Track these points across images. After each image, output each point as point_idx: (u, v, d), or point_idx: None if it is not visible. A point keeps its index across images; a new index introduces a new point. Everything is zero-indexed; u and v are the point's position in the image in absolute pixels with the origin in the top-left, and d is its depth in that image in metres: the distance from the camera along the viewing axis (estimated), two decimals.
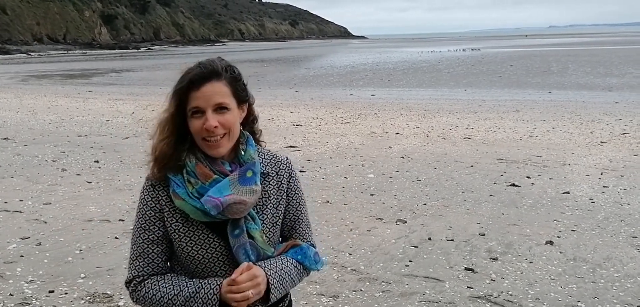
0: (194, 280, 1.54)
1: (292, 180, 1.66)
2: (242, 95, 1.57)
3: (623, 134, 10.77)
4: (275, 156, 1.67)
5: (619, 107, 15.09)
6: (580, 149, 9.34)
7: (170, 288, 1.52)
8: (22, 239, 5.10)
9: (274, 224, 1.60)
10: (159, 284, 1.53)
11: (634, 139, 10.15)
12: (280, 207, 1.62)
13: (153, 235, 1.55)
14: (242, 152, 1.57)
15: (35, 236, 5.19)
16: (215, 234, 1.53)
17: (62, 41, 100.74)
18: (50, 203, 6.30)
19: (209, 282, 1.51)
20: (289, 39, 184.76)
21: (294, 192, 1.65)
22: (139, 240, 1.56)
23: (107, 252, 4.82)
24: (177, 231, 1.54)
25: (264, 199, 1.59)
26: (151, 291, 1.53)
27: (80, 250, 4.85)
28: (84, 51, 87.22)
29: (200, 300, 1.49)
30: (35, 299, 3.92)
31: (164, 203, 1.55)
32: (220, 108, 1.50)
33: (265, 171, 1.61)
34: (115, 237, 5.17)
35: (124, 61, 57.23)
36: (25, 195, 6.62)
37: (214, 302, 1.48)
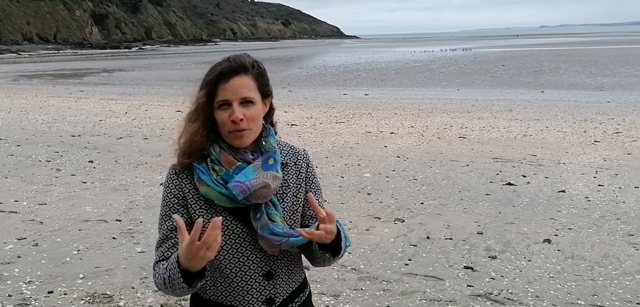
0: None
1: (310, 169, 1.72)
2: (266, 90, 1.64)
3: (616, 133, 10.86)
4: (293, 147, 1.74)
5: (611, 106, 15.22)
6: (575, 148, 9.41)
7: (162, 269, 1.55)
8: (19, 239, 5.05)
9: (295, 212, 1.65)
10: (160, 266, 1.57)
11: (627, 138, 10.23)
12: (300, 196, 1.67)
13: None
14: (264, 142, 1.64)
15: (32, 236, 5.15)
16: (238, 220, 1.58)
17: (53, 41, 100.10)
18: (45, 203, 6.25)
19: (173, 255, 1.52)
20: (282, 39, 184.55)
21: (312, 182, 1.71)
22: (164, 227, 1.61)
23: (105, 252, 4.79)
24: (201, 217, 1.56)
25: (284, 187, 1.64)
26: (156, 273, 1.58)
27: (78, 250, 4.82)
28: (74, 51, 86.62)
29: (168, 272, 1.50)
30: (35, 300, 3.89)
31: (187, 191, 1.60)
32: (246, 101, 1.57)
33: (284, 161, 1.67)
34: (113, 238, 5.14)
35: (115, 61, 56.91)
36: (20, 195, 6.57)
37: (174, 266, 1.48)
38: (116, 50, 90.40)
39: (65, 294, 3.99)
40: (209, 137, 1.59)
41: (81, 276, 4.29)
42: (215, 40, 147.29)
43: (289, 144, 1.74)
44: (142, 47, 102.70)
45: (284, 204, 1.63)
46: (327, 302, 3.90)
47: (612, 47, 64.02)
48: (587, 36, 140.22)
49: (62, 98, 19.34)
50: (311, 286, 4.08)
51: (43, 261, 4.57)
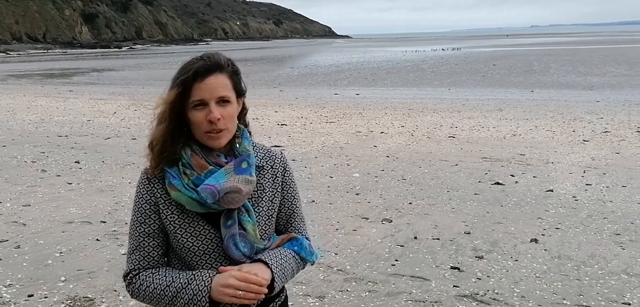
0: (186, 272, 1.54)
1: (287, 173, 1.67)
2: (240, 89, 1.61)
3: (605, 132, 10.90)
4: (269, 150, 1.68)
5: (600, 106, 15.30)
6: (563, 148, 9.43)
7: (162, 280, 1.53)
8: (1, 242, 4.97)
9: (270, 217, 1.62)
10: (153, 276, 1.55)
11: (615, 138, 10.28)
12: (276, 201, 1.64)
13: (149, 228, 1.56)
14: (237, 145, 1.59)
15: (14, 238, 5.06)
16: (210, 225, 1.54)
17: (42, 40, 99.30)
18: (29, 205, 6.16)
19: (202, 274, 1.51)
20: (273, 38, 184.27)
21: (289, 186, 1.67)
22: (136, 233, 1.58)
23: (88, 254, 4.72)
24: (172, 222, 1.55)
25: (259, 191, 1.60)
26: (144, 283, 1.55)
27: (61, 253, 4.75)
28: (64, 50, 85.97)
29: (191, 291, 1.49)
30: (14, 304, 3.82)
31: (159, 196, 1.56)
32: (223, 101, 1.53)
33: (260, 164, 1.63)
34: (97, 239, 5.07)
35: (105, 60, 56.54)
36: (3, 197, 6.47)
37: (205, 294, 1.48)
38: (106, 50, 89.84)
39: (45, 297, 3.92)
40: (180, 140, 1.55)
41: (63, 278, 4.22)
42: (206, 39, 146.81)
43: (266, 147, 1.69)
44: (133, 47, 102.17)
45: (258, 209, 1.59)
46: (312, 303, 3.86)
47: (602, 46, 64.50)
48: (577, 36, 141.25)
49: (51, 98, 19.16)
50: (296, 287, 4.07)
51: (24, 264, 4.49)
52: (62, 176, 7.55)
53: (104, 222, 5.58)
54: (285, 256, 1.59)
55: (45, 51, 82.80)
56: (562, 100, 17.07)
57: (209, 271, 1.52)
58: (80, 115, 14.03)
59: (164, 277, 1.54)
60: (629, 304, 3.82)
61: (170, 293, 1.51)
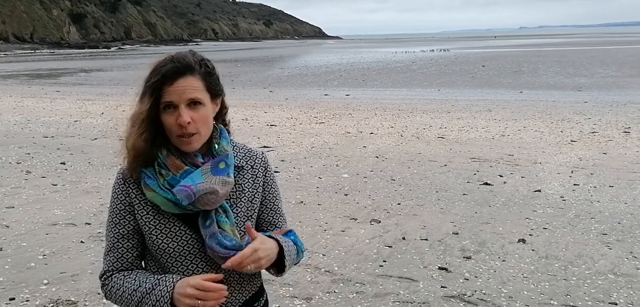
0: (153, 276, 1.50)
1: (268, 174, 1.64)
2: (216, 90, 1.55)
3: (592, 132, 10.97)
4: (250, 150, 1.64)
5: (588, 107, 15.40)
6: (551, 148, 9.47)
7: (130, 284, 1.50)
8: None
9: (249, 218, 1.58)
10: (124, 279, 1.52)
11: (603, 138, 10.34)
12: (256, 201, 1.60)
13: (123, 229, 1.53)
14: (216, 146, 1.55)
15: None
16: (187, 226, 1.51)
17: (29, 40, 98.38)
18: (13, 207, 6.06)
19: (165, 280, 1.47)
20: (264, 39, 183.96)
21: (270, 187, 1.63)
22: (110, 235, 1.56)
23: (72, 257, 4.65)
24: (148, 223, 1.51)
25: (238, 192, 1.57)
26: (116, 285, 1.52)
27: (44, 255, 4.67)
28: (52, 50, 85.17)
29: (154, 298, 1.45)
30: None
31: (134, 197, 1.53)
32: (194, 103, 1.48)
33: (239, 164, 1.59)
34: (81, 242, 4.99)
35: (93, 61, 56.08)
36: None
37: (166, 301, 1.44)
38: (95, 50, 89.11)
39: (27, 300, 3.85)
40: (155, 141, 1.50)
41: (45, 281, 4.15)
42: (196, 40, 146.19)
43: (247, 147, 1.65)
44: (122, 47, 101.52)
45: (237, 210, 1.55)
46: (299, 305, 3.83)
47: (590, 48, 65.07)
48: (566, 37, 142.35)
49: (37, 98, 18.94)
50: (283, 289, 4.03)
51: (6, 267, 4.41)
52: (47, 177, 7.45)
53: (89, 223, 5.50)
54: (287, 240, 1.58)
55: (33, 51, 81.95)
56: (551, 101, 17.17)
57: (173, 277, 1.48)
58: (67, 116, 13.88)
59: (133, 281, 1.51)
60: (616, 304, 3.83)
61: (136, 298, 1.48)
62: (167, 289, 1.45)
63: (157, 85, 1.46)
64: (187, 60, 1.50)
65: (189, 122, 1.46)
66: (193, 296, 1.42)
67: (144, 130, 1.48)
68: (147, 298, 1.46)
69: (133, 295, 1.48)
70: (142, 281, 1.50)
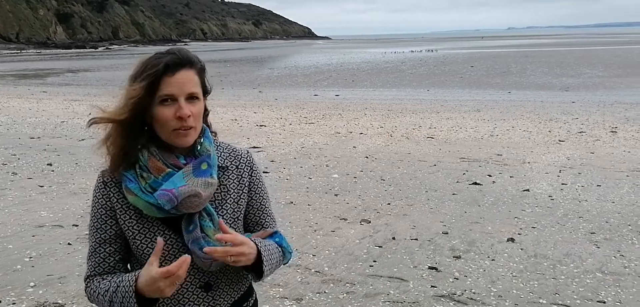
0: (119, 275, 1.48)
1: (254, 173, 1.60)
2: (207, 88, 1.54)
3: (580, 132, 11.07)
4: (234, 150, 1.60)
5: (576, 107, 15.54)
6: (539, 148, 9.54)
7: (105, 285, 1.47)
8: None
9: (235, 219, 1.54)
10: (100, 283, 1.49)
11: (590, 138, 10.44)
12: (242, 202, 1.56)
13: (105, 234, 1.50)
14: (198, 146, 1.51)
15: None
16: (170, 230, 1.47)
17: (15, 40, 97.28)
18: None
19: (128, 275, 1.44)
20: (253, 39, 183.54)
21: (256, 186, 1.60)
22: (92, 239, 1.53)
23: (59, 259, 4.59)
24: (131, 228, 1.48)
25: (223, 193, 1.53)
26: (95, 289, 1.49)
27: (30, 257, 4.61)
28: (38, 50, 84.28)
29: (120, 295, 1.42)
30: None
31: (115, 201, 1.49)
32: (192, 97, 1.46)
33: (224, 165, 1.55)
34: (68, 243, 4.94)
35: (80, 61, 55.58)
36: None
37: (131, 295, 1.40)
38: (82, 50, 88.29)
39: (13, 303, 3.80)
40: (141, 140, 1.47)
41: (32, 284, 4.09)
42: (185, 40, 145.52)
43: (231, 146, 1.61)
44: (109, 47, 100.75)
45: (223, 212, 1.52)
46: (289, 306, 3.81)
47: (577, 48, 65.71)
48: (553, 38, 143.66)
49: (23, 99, 18.73)
50: (273, 290, 4.01)
51: None
52: (33, 179, 7.36)
53: (76, 225, 5.44)
54: (270, 243, 1.55)
55: (19, 51, 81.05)
56: (539, 101, 17.30)
57: (137, 271, 1.43)
58: (54, 117, 13.74)
59: (107, 283, 1.47)
60: (604, 303, 3.86)
61: (108, 298, 1.45)
62: (129, 282, 1.41)
63: (158, 75, 1.41)
64: (188, 54, 1.48)
65: (189, 115, 1.43)
66: (160, 274, 1.35)
67: (132, 122, 1.43)
68: (115, 296, 1.43)
69: (105, 295, 1.46)
70: (111, 282, 1.46)
